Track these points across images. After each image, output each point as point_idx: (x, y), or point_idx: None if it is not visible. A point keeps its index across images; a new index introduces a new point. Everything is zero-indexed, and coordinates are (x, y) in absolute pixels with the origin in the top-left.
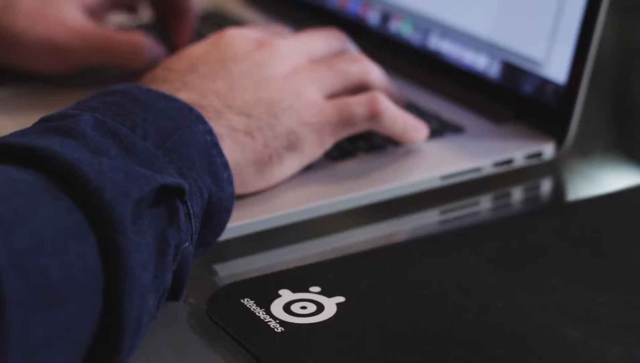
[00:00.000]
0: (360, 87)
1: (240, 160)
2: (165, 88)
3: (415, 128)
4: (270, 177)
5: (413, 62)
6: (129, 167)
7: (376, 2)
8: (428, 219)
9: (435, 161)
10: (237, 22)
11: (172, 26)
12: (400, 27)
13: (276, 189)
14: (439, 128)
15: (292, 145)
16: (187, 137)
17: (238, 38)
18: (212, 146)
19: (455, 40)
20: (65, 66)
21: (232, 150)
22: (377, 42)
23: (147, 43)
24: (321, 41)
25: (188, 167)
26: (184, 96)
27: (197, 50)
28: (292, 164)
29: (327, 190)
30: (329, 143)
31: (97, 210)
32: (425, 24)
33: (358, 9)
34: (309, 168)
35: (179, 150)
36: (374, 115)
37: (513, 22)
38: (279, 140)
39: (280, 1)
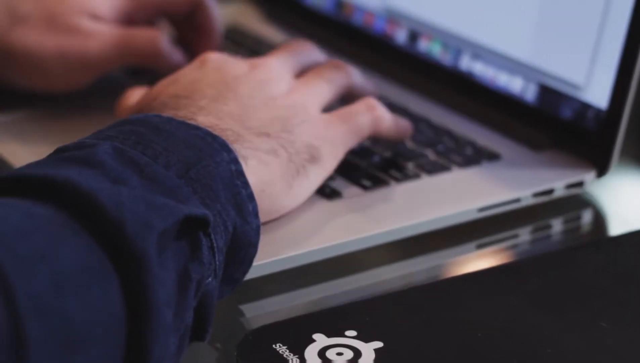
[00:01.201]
0: (347, 93)
1: (267, 178)
2: (182, 114)
3: (404, 126)
4: (299, 191)
5: (443, 83)
6: (150, 197)
7: (404, 19)
8: (465, 254)
9: (472, 191)
10: (257, 39)
11: (196, 45)
12: (430, 47)
13: (306, 223)
14: (475, 155)
15: (313, 157)
16: (211, 167)
17: (226, 61)
18: (237, 176)
19: (489, 61)
20: (83, 75)
21: (258, 169)
22: (404, 61)
23: (164, 36)
24: (301, 54)
25: (212, 198)
26: (202, 120)
27: (190, 74)
28: (317, 176)
29: (360, 224)
30: (341, 154)
31: (119, 245)
32: (457, 44)
33: (384, 27)
34: (339, 198)
35: (203, 180)
36: (376, 121)
37: (551, 44)
38: (302, 154)
39: (300, 17)
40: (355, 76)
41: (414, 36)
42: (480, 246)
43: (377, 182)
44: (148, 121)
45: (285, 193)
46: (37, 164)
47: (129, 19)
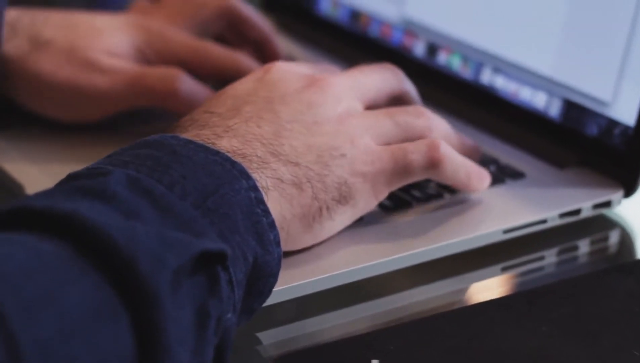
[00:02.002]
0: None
1: (287, 214)
2: (206, 134)
3: (479, 176)
4: (319, 232)
5: (463, 97)
6: (164, 232)
7: (422, 31)
8: (490, 277)
9: (497, 212)
10: None
11: (261, 59)
12: (449, 60)
13: (325, 247)
14: (499, 174)
15: (344, 197)
16: (229, 195)
17: (286, 74)
18: (257, 203)
19: (511, 75)
20: (93, 110)
21: (278, 203)
22: (422, 75)
23: (183, 76)
24: (377, 78)
25: (231, 229)
26: (226, 143)
27: (241, 88)
28: (342, 218)
29: (381, 247)
30: (383, 194)
31: (130, 283)
32: (477, 57)
33: (402, 39)
34: (360, 220)
35: (221, 210)
36: (433, 163)
37: (576, 58)
38: (330, 192)
39: (313, 28)
40: (440, 127)
41: (432, 49)
42: (505, 269)
43: (399, 202)
44: (165, 144)
45: (303, 233)
46: (45, 194)
47: (156, 62)
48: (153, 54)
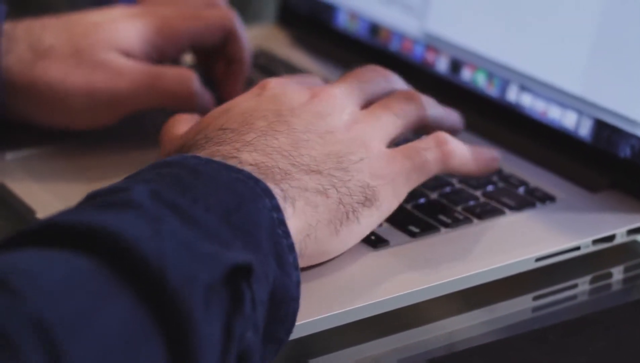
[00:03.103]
0: (421, 126)
1: (314, 221)
2: (225, 150)
3: (488, 159)
4: (347, 237)
5: (489, 116)
6: (193, 244)
7: (444, 46)
8: (521, 307)
9: (528, 238)
10: (285, 64)
11: (224, 76)
12: (474, 77)
13: (353, 275)
14: (528, 197)
15: (369, 200)
16: (253, 213)
17: (286, 88)
18: (278, 224)
19: (539, 93)
20: (109, 114)
21: (305, 211)
22: (445, 92)
23: (195, 76)
24: (370, 81)
25: (254, 246)
26: (247, 157)
27: (244, 104)
28: (369, 221)
29: (409, 277)
30: (403, 194)
31: (162, 301)
32: (503, 74)
33: (424, 54)
34: (386, 245)
35: (245, 227)
36: (445, 158)
37: (607, 76)
38: (354, 196)
39: (331, 42)
40: (431, 107)
41: (456, 65)
42: (537, 298)
43: (426, 228)
44: (185, 164)
45: (331, 238)
46: (69, 212)
47: (160, 53)
48: (159, 39)
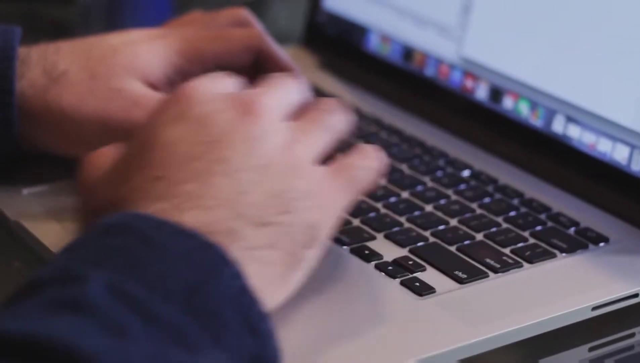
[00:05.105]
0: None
1: (267, 279)
2: (166, 209)
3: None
4: (297, 283)
5: (532, 148)
6: (162, 355)
7: (484, 72)
8: (576, 358)
9: (582, 285)
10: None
11: None
12: (516, 106)
13: (393, 329)
14: (580, 238)
15: (313, 239)
16: (214, 290)
17: (211, 104)
18: (243, 293)
19: (587, 125)
20: None
21: (258, 273)
22: (485, 121)
23: None
24: (293, 90)
25: (223, 330)
26: (192, 219)
27: (170, 134)
28: (314, 260)
29: (458, 329)
30: (339, 219)
31: None
32: (548, 104)
33: (462, 80)
34: (433, 294)
35: (209, 309)
36: (376, 172)
37: None
38: (301, 240)
39: (361, 66)
40: (342, 117)
41: (496, 92)
42: (593, 349)
43: (474, 273)
44: (132, 229)
45: (284, 290)
46: (14, 311)
47: (184, 76)
48: (182, 62)
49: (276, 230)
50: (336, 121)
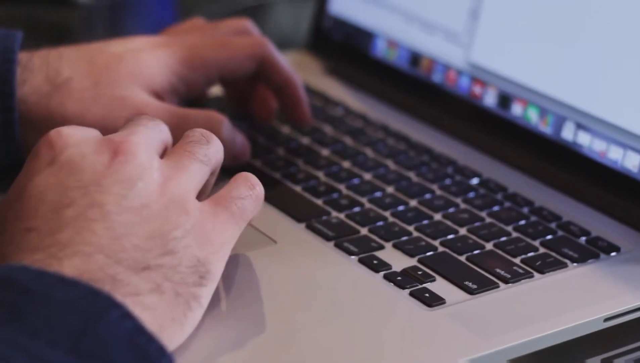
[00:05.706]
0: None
1: (156, 325)
2: (43, 258)
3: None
4: (193, 323)
5: (542, 155)
6: None
7: (492, 79)
8: None
9: (594, 295)
10: (317, 95)
11: (283, 107)
12: (525, 112)
13: (403, 342)
14: (591, 248)
15: (203, 277)
16: (102, 332)
17: (81, 148)
18: (136, 332)
19: (597, 132)
20: None
21: (148, 320)
22: (493, 128)
23: (226, 121)
24: (157, 129)
25: None
26: (69, 268)
27: (40, 183)
28: (207, 298)
29: (471, 342)
30: (228, 253)
31: None
32: (558, 110)
33: (470, 86)
34: (443, 305)
35: (98, 351)
36: (259, 200)
37: None
38: (189, 280)
39: (367, 72)
40: (220, 146)
41: (505, 99)
42: (605, 361)
43: (484, 284)
44: (13, 281)
45: (178, 333)
46: None
47: (187, 84)
48: (186, 70)
49: (159, 273)
50: (209, 151)
